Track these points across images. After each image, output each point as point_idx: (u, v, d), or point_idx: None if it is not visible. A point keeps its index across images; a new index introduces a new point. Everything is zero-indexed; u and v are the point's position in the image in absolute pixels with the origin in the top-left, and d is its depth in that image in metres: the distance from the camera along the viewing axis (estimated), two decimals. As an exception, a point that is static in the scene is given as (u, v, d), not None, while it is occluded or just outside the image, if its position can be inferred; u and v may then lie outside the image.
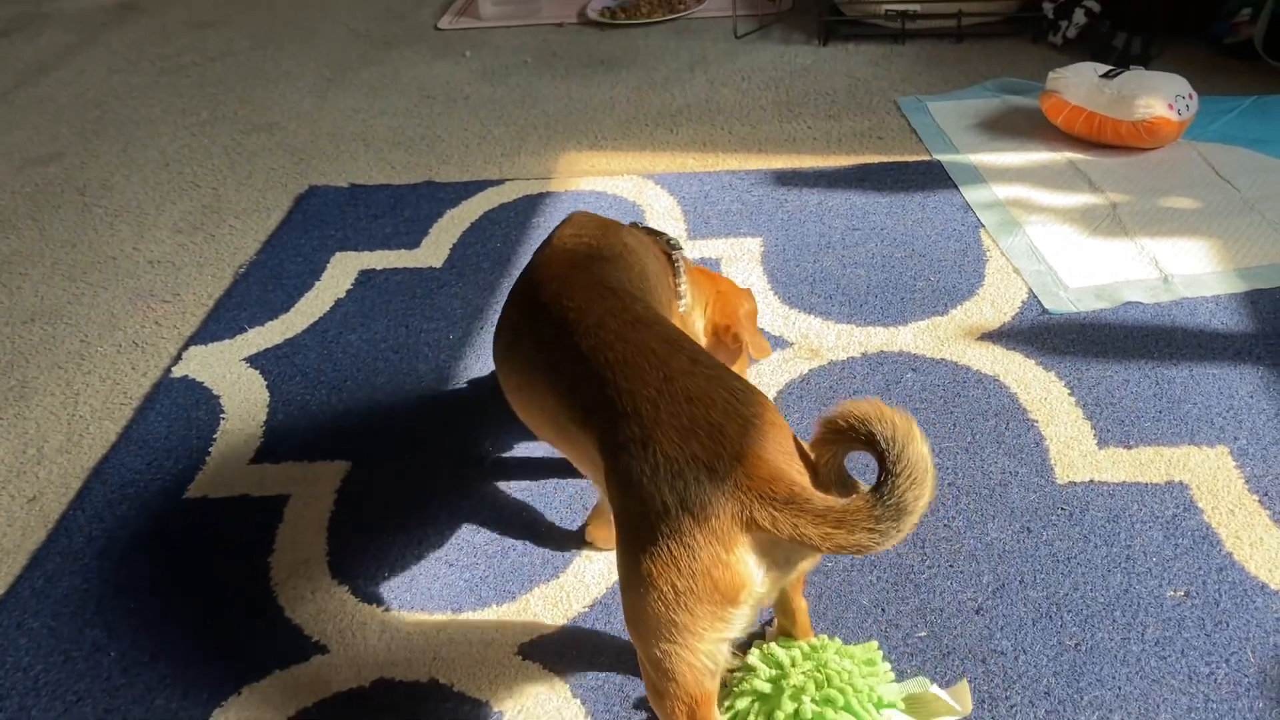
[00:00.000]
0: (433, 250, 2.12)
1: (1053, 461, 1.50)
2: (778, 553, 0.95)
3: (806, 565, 1.01)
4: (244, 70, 3.12)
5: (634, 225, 1.40)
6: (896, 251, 1.98)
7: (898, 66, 2.70)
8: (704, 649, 0.97)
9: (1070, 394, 1.61)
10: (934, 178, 2.21)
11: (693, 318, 1.41)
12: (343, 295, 2.01)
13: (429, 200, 2.30)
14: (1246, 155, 2.16)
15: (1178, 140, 2.22)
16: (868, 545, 0.89)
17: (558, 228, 1.33)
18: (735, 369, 1.41)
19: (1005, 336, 1.75)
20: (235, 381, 1.81)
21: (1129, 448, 1.51)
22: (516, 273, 2.01)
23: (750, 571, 0.94)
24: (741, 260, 1.99)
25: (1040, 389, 1.63)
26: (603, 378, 1.04)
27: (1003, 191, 2.13)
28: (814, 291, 1.90)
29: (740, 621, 0.97)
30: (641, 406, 0.99)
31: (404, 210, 2.27)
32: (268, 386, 1.79)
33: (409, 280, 2.03)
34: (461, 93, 2.83)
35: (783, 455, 0.95)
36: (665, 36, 3.07)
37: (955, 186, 2.16)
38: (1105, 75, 2.24)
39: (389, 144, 2.59)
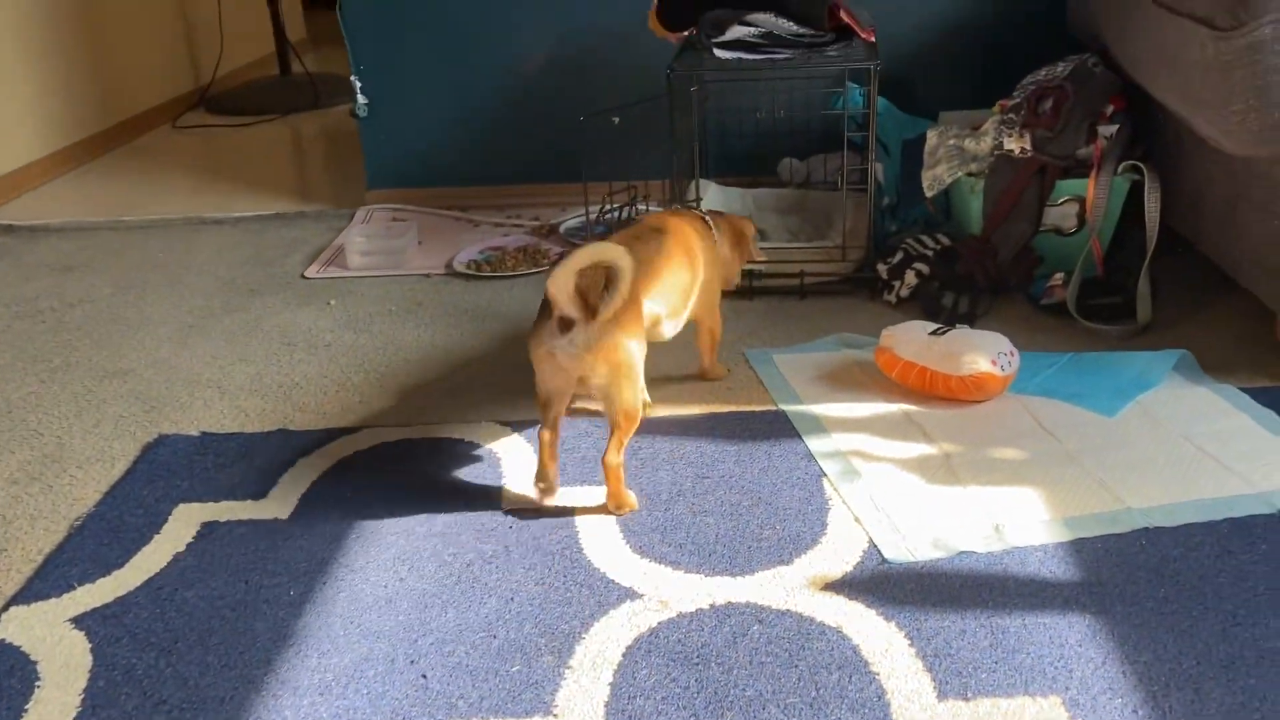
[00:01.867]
0: (281, 501, 2.08)
1: (895, 716, 1.51)
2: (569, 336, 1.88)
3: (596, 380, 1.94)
4: (104, 316, 3.11)
5: (688, 209, 2.53)
6: (744, 499, 2.04)
7: (746, 321, 2.85)
8: (538, 375, 1.97)
9: (910, 645, 1.64)
10: (779, 427, 2.30)
11: (722, 242, 2.40)
12: (182, 549, 1.94)
13: (281, 449, 2.28)
14: (1066, 409, 2.32)
15: (1003, 394, 2.37)
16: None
17: (655, 215, 2.36)
18: (736, 267, 2.51)
19: (848, 586, 1.79)
20: (56, 645, 1.71)
21: (967, 699, 1.53)
22: (368, 523, 2.00)
23: (551, 330, 1.89)
24: (593, 510, 2.02)
25: (882, 640, 1.66)
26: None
27: (843, 441, 2.22)
28: (665, 540, 1.93)
29: (549, 369, 1.95)
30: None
31: (255, 459, 2.24)
32: (92, 650, 1.70)
33: (253, 533, 1.99)
34: (323, 340, 2.87)
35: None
36: (529, 289, 3.19)
37: (799, 436, 2.25)
38: (934, 333, 2.40)
39: (245, 391, 2.58)
